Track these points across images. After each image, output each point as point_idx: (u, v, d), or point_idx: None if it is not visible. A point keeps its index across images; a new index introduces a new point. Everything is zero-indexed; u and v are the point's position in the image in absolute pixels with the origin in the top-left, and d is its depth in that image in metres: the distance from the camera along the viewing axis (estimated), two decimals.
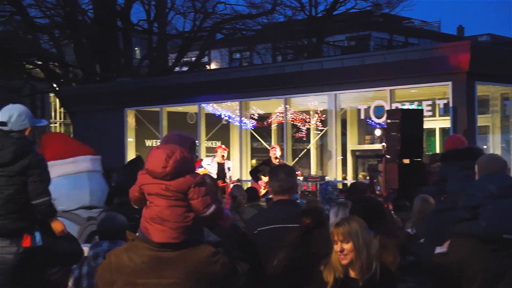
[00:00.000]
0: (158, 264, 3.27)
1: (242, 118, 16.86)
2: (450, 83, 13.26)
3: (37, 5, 26.26)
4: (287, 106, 16.11)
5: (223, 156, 13.00)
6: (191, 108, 18.40)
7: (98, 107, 19.27)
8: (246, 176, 15.63)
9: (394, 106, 13.89)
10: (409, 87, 14.15)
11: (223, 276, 3.32)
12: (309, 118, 16.75)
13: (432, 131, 16.30)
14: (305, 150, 17.45)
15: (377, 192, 11.16)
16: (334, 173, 15.29)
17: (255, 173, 12.80)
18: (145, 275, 3.26)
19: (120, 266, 3.31)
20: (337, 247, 3.66)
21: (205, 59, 38.04)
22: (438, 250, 4.46)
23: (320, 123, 16.46)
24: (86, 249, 5.33)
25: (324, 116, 16.16)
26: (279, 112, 16.66)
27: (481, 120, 14.30)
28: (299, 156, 17.40)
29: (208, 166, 12.81)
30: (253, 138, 17.74)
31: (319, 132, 16.71)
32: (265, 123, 17.48)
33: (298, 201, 10.45)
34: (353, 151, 16.93)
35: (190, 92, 17.40)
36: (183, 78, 19.52)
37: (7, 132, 5.23)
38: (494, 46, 21.43)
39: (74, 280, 4.85)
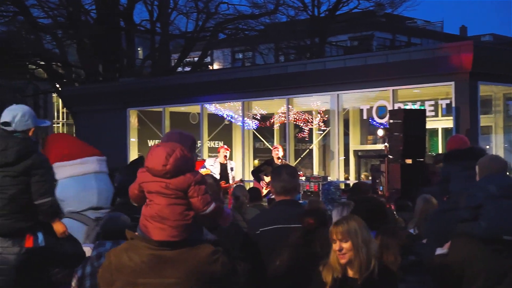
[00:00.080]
0: (158, 263, 3.26)
1: (245, 118, 16.86)
2: (452, 83, 13.25)
3: (40, 5, 26.29)
4: (289, 106, 16.11)
5: (225, 156, 13.01)
6: (194, 108, 18.42)
7: (101, 107, 19.30)
8: (249, 177, 15.64)
9: (396, 106, 13.89)
10: (412, 87, 14.15)
11: (222, 275, 3.31)
12: (311, 118, 16.75)
13: (434, 131, 16.30)
14: (308, 150, 17.45)
15: (380, 192, 11.15)
16: (336, 173, 15.29)
17: (257, 173, 12.81)
18: (145, 275, 3.25)
19: (120, 265, 3.30)
20: (335, 246, 3.65)
21: (208, 59, 38.06)
22: (439, 251, 4.47)
23: (323, 123, 16.46)
24: (88, 249, 5.34)
25: (326, 116, 16.16)
26: (282, 112, 16.67)
27: (484, 120, 14.29)
28: (302, 156, 17.41)
29: (211, 166, 12.81)
30: (255, 138, 17.75)
31: (322, 132, 16.71)
32: (267, 123, 17.49)
33: (301, 201, 10.46)
34: (355, 151, 16.93)
35: (193, 92, 17.42)
36: (186, 78, 19.53)
37: (10, 133, 5.24)
38: (497, 46, 21.41)
39: (77, 280, 4.86)
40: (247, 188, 10.22)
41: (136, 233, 3.39)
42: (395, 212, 7.61)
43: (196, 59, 31.76)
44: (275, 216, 4.60)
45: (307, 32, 30.39)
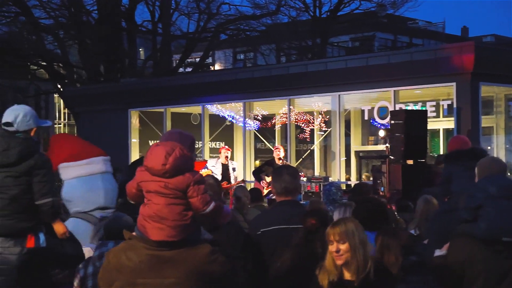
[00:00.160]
0: (157, 263, 3.24)
1: (246, 119, 16.86)
2: (454, 83, 13.24)
3: (41, 6, 26.32)
4: (291, 107, 16.11)
5: (226, 157, 13.01)
6: (195, 109, 18.42)
7: (102, 107, 19.31)
8: (250, 177, 15.64)
9: (398, 107, 13.88)
10: (413, 88, 14.13)
11: (221, 275, 3.29)
12: (313, 119, 16.75)
13: (436, 132, 16.29)
14: (309, 151, 17.45)
15: (381, 193, 11.15)
16: (337, 174, 15.28)
17: (258, 173, 12.81)
18: (144, 275, 3.23)
19: (119, 266, 3.28)
20: (332, 248, 3.64)
21: (209, 60, 38.08)
22: (438, 252, 4.47)
23: (324, 124, 16.45)
24: (88, 249, 5.34)
25: (328, 117, 16.16)
26: (283, 113, 16.67)
27: (485, 121, 14.27)
28: (303, 157, 17.41)
29: (213, 167, 12.82)
30: (256, 139, 17.75)
31: (323, 133, 16.70)
32: (269, 124, 17.50)
33: (302, 202, 10.46)
34: (356, 152, 16.92)
35: (194, 93, 17.42)
36: (187, 79, 19.53)
37: (12, 133, 5.24)
38: (498, 46, 21.39)
39: (79, 280, 4.86)
40: (248, 188, 10.22)
41: (134, 233, 3.36)
42: (396, 213, 7.62)
43: (197, 59, 31.76)
44: (277, 216, 4.60)
45: (309, 32, 30.39)
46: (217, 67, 38.90)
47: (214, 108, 17.61)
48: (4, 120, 5.31)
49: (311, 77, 15.19)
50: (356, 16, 33.03)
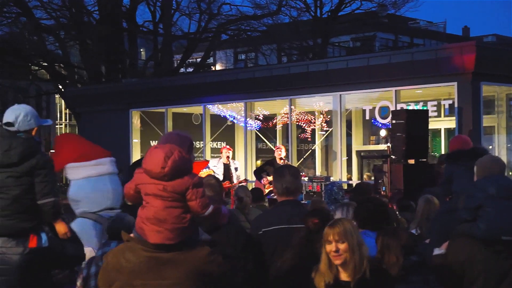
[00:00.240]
0: (156, 265, 3.23)
1: (247, 119, 16.87)
2: (455, 83, 13.23)
3: (42, 6, 26.34)
4: (292, 107, 16.11)
5: (228, 156, 13.01)
6: (196, 109, 18.42)
7: (104, 108, 19.32)
8: (251, 177, 15.65)
9: (399, 106, 13.87)
10: (414, 88, 14.13)
11: (220, 275, 3.29)
12: (314, 118, 16.75)
13: (437, 132, 16.28)
14: (310, 150, 17.45)
15: (382, 192, 11.14)
16: (339, 174, 15.28)
17: (259, 173, 12.81)
18: (143, 276, 3.22)
19: (118, 267, 3.27)
20: (331, 247, 3.62)
21: (210, 60, 38.09)
22: (437, 251, 4.46)
23: (325, 124, 16.46)
24: (90, 249, 5.35)
25: (329, 116, 16.16)
26: (284, 113, 16.67)
27: (487, 121, 14.27)
28: (304, 156, 17.41)
29: (215, 167, 12.82)
30: (258, 139, 17.75)
31: (324, 132, 16.70)
32: (270, 123, 17.50)
33: (304, 201, 10.45)
34: (358, 152, 16.92)
35: (195, 93, 17.43)
36: (188, 79, 19.54)
37: (14, 133, 5.24)
38: (499, 46, 21.39)
39: (82, 280, 4.87)
40: (250, 188, 10.22)
41: (132, 235, 3.35)
42: (397, 213, 7.61)
43: (198, 60, 31.78)
44: (278, 216, 4.60)
45: (310, 32, 30.38)
46: (218, 67, 38.91)
47: (215, 108, 17.61)
48: (5, 120, 5.30)
49: (312, 77, 15.19)
50: (357, 16, 33.03)
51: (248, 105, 16.86)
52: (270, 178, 11.78)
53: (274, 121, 17.49)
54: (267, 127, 17.49)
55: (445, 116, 15.03)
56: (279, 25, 31.04)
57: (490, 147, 14.59)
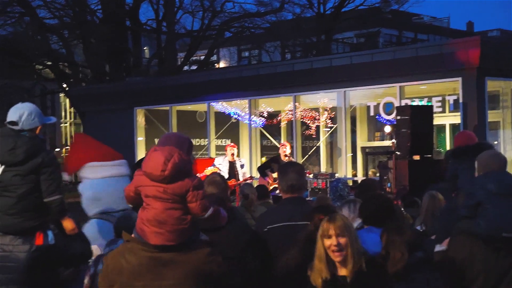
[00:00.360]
0: (156, 266, 3.23)
1: (252, 116, 16.86)
2: (460, 79, 13.19)
3: (46, 6, 26.38)
4: (296, 103, 16.09)
5: (232, 154, 12.99)
6: (201, 107, 18.43)
7: (108, 106, 19.34)
8: (256, 174, 15.64)
9: (403, 102, 13.84)
10: (419, 84, 14.10)
11: (219, 275, 3.29)
12: (318, 115, 16.73)
13: (442, 127, 16.24)
14: (315, 147, 17.43)
15: (387, 189, 11.12)
16: (344, 170, 15.27)
17: (263, 170, 12.80)
18: (143, 277, 3.22)
19: (118, 268, 3.27)
20: (331, 241, 3.59)
21: (214, 58, 38.09)
22: (438, 248, 4.45)
23: (330, 120, 16.44)
24: (95, 247, 5.35)
25: (333, 113, 16.14)
26: (289, 110, 16.66)
27: (492, 116, 14.21)
28: (309, 153, 17.39)
29: (220, 165, 12.82)
30: (262, 136, 17.75)
31: (329, 129, 16.68)
32: (274, 121, 17.49)
33: (310, 198, 10.44)
34: (363, 148, 16.90)
35: (200, 91, 17.43)
36: (192, 77, 19.54)
37: (18, 132, 5.25)
38: (504, 41, 21.31)
39: (89, 278, 4.88)
40: (254, 185, 10.21)
41: (133, 235, 3.35)
42: (402, 209, 7.60)
43: (202, 57, 31.78)
44: (282, 213, 4.60)
45: (313, 29, 30.36)
46: (222, 64, 38.89)
47: (220, 106, 17.61)
48: (9, 119, 5.31)
49: (316, 73, 15.17)
50: (361, 12, 33.00)
51: (252, 102, 16.85)
52: (275, 175, 11.76)
53: (279, 118, 17.48)
54: (271, 124, 17.48)
55: (450, 111, 14.99)
56: (282, 22, 31.02)
57: (496, 142, 14.54)
